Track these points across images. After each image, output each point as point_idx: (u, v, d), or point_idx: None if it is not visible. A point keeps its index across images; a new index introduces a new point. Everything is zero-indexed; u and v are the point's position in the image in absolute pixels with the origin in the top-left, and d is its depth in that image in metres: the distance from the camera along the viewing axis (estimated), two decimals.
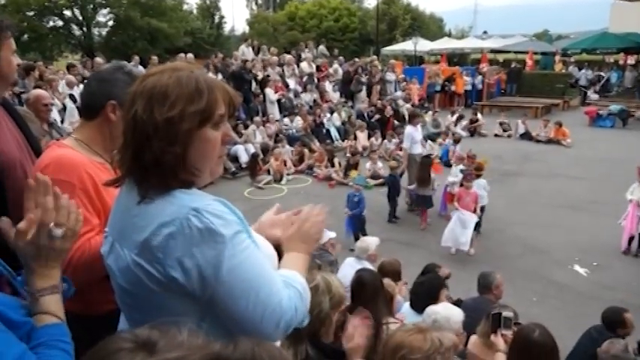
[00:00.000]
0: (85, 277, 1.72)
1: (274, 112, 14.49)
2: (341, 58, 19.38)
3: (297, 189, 11.19)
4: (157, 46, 29.70)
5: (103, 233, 1.48)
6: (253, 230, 1.39)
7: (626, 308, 4.10)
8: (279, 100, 14.75)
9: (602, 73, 23.79)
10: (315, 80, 16.77)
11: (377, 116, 15.73)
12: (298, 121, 14.18)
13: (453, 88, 21.88)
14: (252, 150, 12.13)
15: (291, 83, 15.89)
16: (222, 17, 41.21)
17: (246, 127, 12.88)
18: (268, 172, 11.75)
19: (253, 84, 14.56)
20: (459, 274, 6.24)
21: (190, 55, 14.57)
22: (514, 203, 9.11)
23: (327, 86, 16.73)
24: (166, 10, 31.68)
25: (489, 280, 4.63)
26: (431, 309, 3.36)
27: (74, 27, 31.28)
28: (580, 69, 24.40)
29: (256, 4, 49.93)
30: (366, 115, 15.83)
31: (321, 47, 19.98)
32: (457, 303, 4.37)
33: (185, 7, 35.83)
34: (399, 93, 18.53)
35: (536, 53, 26.15)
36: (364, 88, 17.25)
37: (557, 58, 25.13)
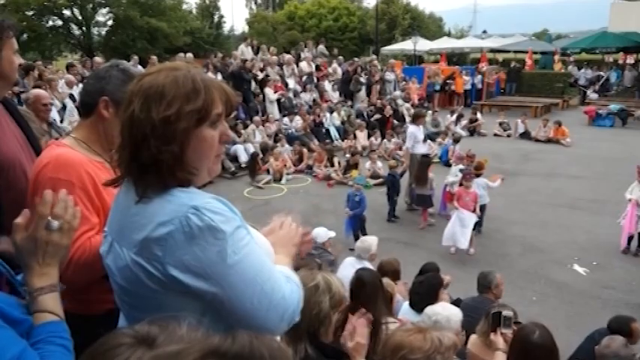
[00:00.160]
0: (85, 276, 1.72)
1: (274, 111, 14.49)
2: (340, 57, 19.37)
3: (297, 188, 11.19)
4: (156, 45, 29.73)
5: (102, 232, 1.49)
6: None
7: (633, 317, 3.98)
8: (278, 100, 14.75)
9: (601, 73, 23.79)
10: (315, 80, 16.77)
11: (376, 116, 15.72)
12: (298, 121, 14.19)
13: (452, 87, 21.89)
14: (251, 150, 12.14)
15: (291, 83, 15.89)
16: (221, 17, 41.28)
17: (245, 126, 12.88)
18: (268, 171, 11.76)
19: (253, 84, 14.56)
20: (458, 274, 6.25)
21: (189, 55, 14.59)
22: (513, 203, 9.12)
23: (327, 86, 16.74)
24: (166, 9, 31.71)
25: (489, 280, 4.63)
26: (430, 309, 3.36)
27: (73, 26, 31.30)
28: (579, 68, 24.41)
29: (255, 3, 49.97)
30: (365, 114, 15.84)
31: (321, 47, 19.97)
32: (456, 302, 4.37)
33: (184, 6, 35.90)
34: (398, 92, 18.52)
35: (535, 53, 26.14)
36: (364, 87, 17.25)
37: (557, 57, 25.12)
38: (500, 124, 16.60)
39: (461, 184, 7.86)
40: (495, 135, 16.35)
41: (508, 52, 28.62)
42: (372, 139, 14.09)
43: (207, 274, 1.16)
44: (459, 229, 7.28)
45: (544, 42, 29.59)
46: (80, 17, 30.61)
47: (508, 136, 16.28)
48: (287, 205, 9.47)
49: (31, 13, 27.60)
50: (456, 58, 32.75)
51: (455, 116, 16.79)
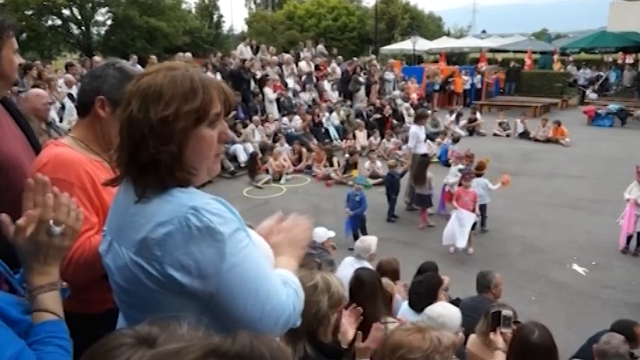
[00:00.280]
0: (85, 275, 1.72)
1: (273, 111, 14.48)
2: (340, 57, 19.37)
3: (296, 188, 11.19)
4: (155, 45, 29.72)
5: (102, 232, 1.49)
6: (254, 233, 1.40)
7: (636, 321, 3.96)
8: (277, 100, 14.74)
9: (601, 73, 23.80)
10: (314, 79, 16.77)
11: (376, 115, 15.73)
12: (297, 121, 14.18)
13: (452, 87, 21.90)
14: (250, 149, 12.13)
15: (290, 82, 15.88)
16: (220, 16, 41.31)
17: (244, 126, 12.88)
18: (267, 171, 11.76)
19: (252, 83, 14.55)
20: (457, 274, 6.25)
21: (188, 54, 14.57)
22: (513, 202, 9.12)
23: (326, 85, 16.73)
24: (165, 9, 31.70)
25: (488, 279, 4.64)
26: (430, 308, 3.36)
27: (73, 26, 31.30)
28: (578, 68, 24.42)
29: (255, 3, 50.00)
30: (364, 114, 15.84)
31: (320, 46, 19.96)
32: (456, 302, 4.37)
33: (184, 6, 35.91)
34: (397, 92, 18.53)
35: (534, 52, 26.16)
36: (363, 87, 17.24)
37: (556, 57, 25.13)
38: (500, 124, 16.60)
39: (460, 184, 7.86)
40: (495, 135, 16.35)
41: (507, 51, 28.63)
42: (372, 138, 14.09)
43: (204, 275, 1.16)
44: (458, 228, 7.28)
45: (543, 42, 29.64)
46: (79, 17, 30.60)
47: (507, 135, 16.28)
48: (286, 205, 9.47)
49: (30, 12, 27.59)
50: (455, 57, 32.75)
51: (454, 116, 16.80)
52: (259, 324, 1.21)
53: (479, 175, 8.14)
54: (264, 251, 1.40)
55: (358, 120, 15.11)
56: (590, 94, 22.51)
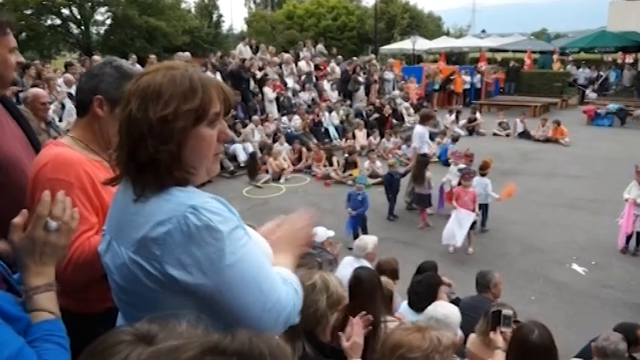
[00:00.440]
0: (84, 275, 1.72)
1: (273, 110, 14.48)
2: (339, 57, 19.37)
3: (296, 188, 11.19)
4: (155, 44, 29.73)
5: (101, 232, 1.49)
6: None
7: (638, 324, 3.96)
8: (277, 99, 14.73)
9: (600, 72, 23.81)
10: (314, 79, 16.76)
11: (375, 115, 15.73)
12: (297, 120, 14.18)
13: (452, 87, 21.91)
14: (250, 149, 12.12)
15: (290, 82, 15.88)
16: (220, 16, 41.36)
17: (244, 125, 12.87)
18: (267, 171, 11.75)
19: (251, 83, 14.54)
20: (457, 273, 6.26)
21: (187, 54, 14.55)
22: (513, 202, 9.10)
23: (326, 85, 16.73)
24: (164, 8, 31.70)
25: (488, 279, 4.64)
26: (433, 309, 3.36)
27: (72, 25, 31.29)
28: (578, 68, 24.43)
29: (254, 2, 49.99)
30: (364, 113, 15.83)
31: (320, 46, 19.96)
32: (455, 302, 4.37)
33: (183, 5, 35.93)
34: (397, 92, 18.54)
35: (534, 52, 26.17)
36: (362, 87, 17.24)
37: (556, 57, 25.14)
38: (500, 123, 16.60)
39: (460, 184, 7.86)
40: (494, 134, 16.35)
41: (507, 51, 28.64)
42: (371, 138, 14.09)
43: (204, 274, 1.16)
44: (457, 228, 7.29)
45: (543, 41, 29.64)
46: (79, 16, 30.60)
47: (507, 135, 16.28)
48: (286, 205, 9.47)
49: (29, 11, 27.56)
50: (454, 57, 32.76)
51: (454, 116, 16.80)
52: (259, 322, 1.21)
53: (483, 175, 8.15)
54: (263, 249, 1.40)
55: (358, 120, 15.10)
56: (590, 94, 22.51)
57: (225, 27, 44.37)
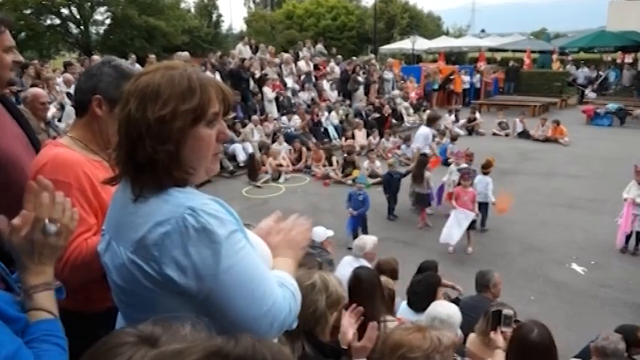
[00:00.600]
0: (81, 277, 1.72)
1: (272, 110, 14.47)
2: (339, 56, 19.37)
3: (295, 188, 11.18)
4: (154, 44, 29.74)
5: (100, 233, 1.49)
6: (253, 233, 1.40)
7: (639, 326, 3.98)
8: (277, 99, 14.73)
9: (600, 72, 23.82)
10: (313, 79, 16.76)
11: (375, 115, 15.72)
12: (296, 120, 14.17)
13: (451, 87, 21.92)
14: (249, 149, 12.10)
15: (289, 82, 15.87)
16: (219, 16, 41.35)
17: (244, 125, 12.86)
18: (266, 171, 11.75)
19: (251, 82, 14.54)
20: (457, 273, 6.26)
21: (185, 53, 14.52)
22: (512, 202, 9.11)
23: (325, 85, 16.72)
24: (164, 8, 31.70)
25: (487, 279, 4.64)
26: (432, 308, 3.36)
27: (71, 25, 31.30)
28: (577, 67, 24.44)
29: (254, 2, 49.97)
30: (363, 113, 15.83)
31: (319, 46, 19.96)
32: (455, 301, 4.37)
33: (183, 5, 35.94)
34: (396, 92, 18.54)
35: (533, 52, 26.18)
36: (362, 86, 17.24)
37: (555, 56, 25.16)
38: (499, 123, 16.60)
39: (459, 184, 7.87)
40: (494, 134, 16.36)
41: (506, 51, 28.68)
42: (371, 138, 14.09)
43: (200, 276, 1.16)
44: (456, 227, 7.30)
45: (542, 41, 29.65)
46: (78, 16, 30.60)
47: (506, 135, 16.28)
48: (285, 205, 9.47)
49: (29, 11, 27.57)
50: (454, 57, 32.79)
51: (453, 116, 16.79)
52: (255, 325, 1.21)
53: (485, 174, 8.16)
54: (261, 252, 1.39)
55: (357, 119, 15.09)
56: (589, 94, 22.52)
57: (224, 27, 44.44)
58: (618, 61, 24.87)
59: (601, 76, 23.52)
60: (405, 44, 30.32)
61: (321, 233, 5.45)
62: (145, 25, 29.79)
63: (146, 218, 1.19)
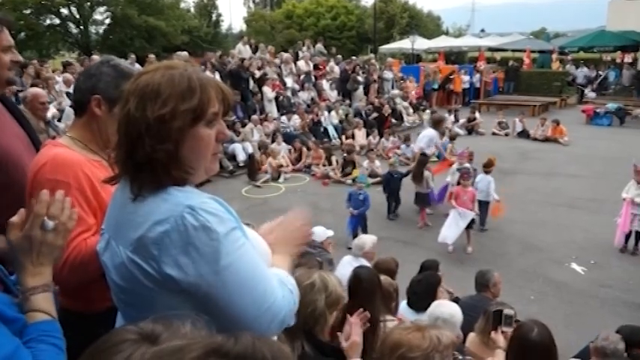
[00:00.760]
0: (80, 276, 1.72)
1: (272, 110, 14.47)
2: (339, 56, 19.37)
3: (295, 187, 11.18)
4: (154, 44, 29.73)
5: (99, 233, 1.49)
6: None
7: None
8: (276, 99, 14.72)
9: (599, 72, 23.82)
10: (313, 79, 16.75)
11: (374, 114, 15.72)
12: (296, 120, 14.17)
13: (451, 86, 21.92)
14: (249, 148, 12.10)
15: (289, 82, 15.87)
16: (219, 15, 41.33)
17: (243, 125, 12.86)
18: (266, 171, 11.74)
19: (251, 82, 14.53)
20: (456, 272, 6.27)
21: (184, 53, 14.51)
22: (512, 201, 9.11)
23: (325, 85, 16.71)
24: (163, 8, 31.71)
25: (487, 278, 4.63)
26: (434, 308, 3.36)
27: (71, 25, 31.30)
28: (577, 67, 24.44)
29: (254, 2, 49.96)
30: (363, 113, 15.83)
31: (319, 45, 19.96)
32: (454, 301, 4.37)
33: (182, 5, 35.96)
34: (396, 91, 18.54)
35: (533, 51, 26.18)
36: (361, 86, 17.23)
37: (555, 56, 25.16)
38: (499, 123, 16.60)
39: (459, 183, 7.87)
40: (493, 134, 16.35)
41: (506, 50, 28.67)
42: (370, 137, 14.09)
43: (200, 274, 1.16)
44: (454, 226, 7.31)
45: (542, 41, 29.63)
46: (78, 16, 30.60)
47: (506, 135, 16.28)
48: (285, 204, 9.47)
49: (28, 11, 27.57)
50: (454, 56, 32.76)
51: (453, 115, 16.78)
52: (255, 323, 1.21)
53: (487, 173, 8.17)
54: (261, 250, 1.40)
55: (357, 119, 15.09)
56: (589, 93, 22.51)
57: (224, 26, 44.42)
58: (618, 60, 24.85)
59: (600, 75, 23.51)
60: (404, 44, 30.29)
61: (320, 233, 5.45)
62: (145, 24, 29.79)
63: (145, 217, 1.19)
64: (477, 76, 22.77)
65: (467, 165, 8.84)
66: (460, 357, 2.89)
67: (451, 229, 7.33)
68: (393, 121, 16.41)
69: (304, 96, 15.84)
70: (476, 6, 66.45)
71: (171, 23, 31.27)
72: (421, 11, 44.01)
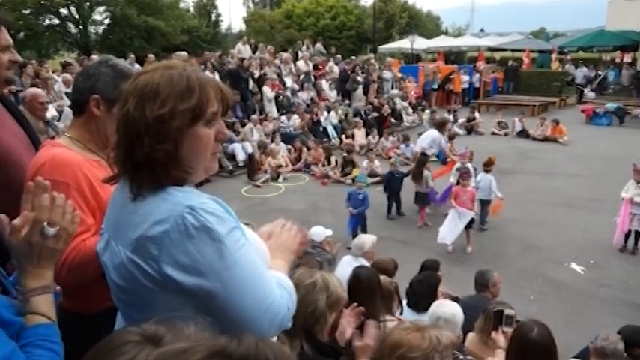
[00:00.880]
0: (79, 277, 1.72)
1: (272, 110, 14.46)
2: (338, 56, 19.37)
3: (294, 187, 11.18)
4: (153, 44, 29.73)
5: (98, 234, 1.49)
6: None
7: None
8: (276, 98, 14.72)
9: (599, 71, 23.83)
10: (312, 78, 16.75)
11: (374, 114, 15.71)
12: (295, 120, 14.16)
13: (450, 86, 21.92)
14: (249, 148, 12.08)
15: (288, 81, 15.87)
16: (218, 15, 41.30)
17: (243, 125, 12.85)
18: (265, 170, 11.74)
19: (250, 82, 14.53)
20: (456, 272, 6.26)
21: (184, 53, 14.50)
22: (511, 201, 9.12)
23: (324, 84, 16.71)
24: (163, 8, 31.70)
25: (486, 278, 4.63)
26: (435, 308, 3.36)
27: (70, 25, 31.29)
28: (576, 67, 24.46)
29: (253, 2, 49.95)
30: (363, 113, 15.82)
31: (318, 45, 19.96)
32: (454, 301, 4.37)
33: (182, 5, 35.95)
34: (395, 91, 18.54)
35: (532, 51, 26.17)
36: (361, 86, 17.23)
37: (554, 56, 25.16)
38: (499, 123, 16.60)
39: (458, 183, 7.87)
40: (493, 134, 16.35)
41: (505, 50, 28.69)
42: (370, 137, 14.08)
43: (201, 274, 1.16)
44: (453, 226, 7.31)
45: (541, 41, 29.64)
46: (77, 16, 30.59)
47: (505, 134, 16.28)
48: (284, 204, 9.47)
49: (27, 11, 27.54)
50: (453, 56, 32.76)
51: (452, 115, 16.78)
52: (254, 324, 1.21)
53: (487, 172, 8.18)
54: (260, 251, 1.40)
55: (356, 119, 15.09)
56: (588, 93, 22.51)
57: (223, 26, 44.37)
58: (617, 60, 24.87)
59: (600, 75, 23.51)
60: (404, 44, 30.29)
61: (320, 233, 5.45)
62: (144, 24, 29.78)
63: (145, 217, 1.19)
64: (477, 75, 22.78)
65: (467, 165, 8.84)
66: (461, 357, 2.89)
67: (450, 230, 7.33)
68: (393, 121, 16.42)
69: (304, 96, 15.84)
70: (475, 6, 66.58)
71: (170, 23, 31.26)
72: (420, 11, 44.00)
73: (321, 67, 17.68)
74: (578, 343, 4.09)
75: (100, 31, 32.84)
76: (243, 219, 1.32)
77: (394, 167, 9.18)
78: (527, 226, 8.39)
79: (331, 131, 14.62)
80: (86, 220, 1.76)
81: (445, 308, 3.36)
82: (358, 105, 16.32)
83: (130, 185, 1.24)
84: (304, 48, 18.71)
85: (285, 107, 14.81)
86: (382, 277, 3.65)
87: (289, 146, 12.86)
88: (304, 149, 12.57)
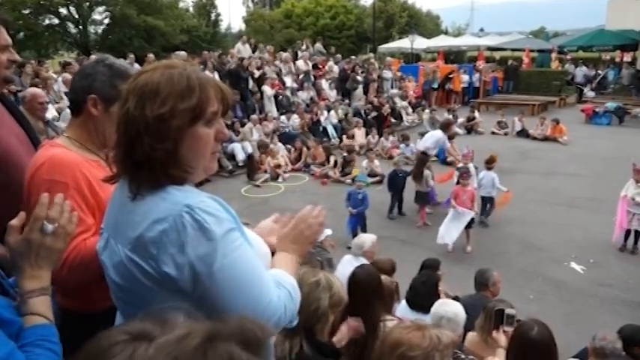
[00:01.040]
0: (80, 277, 1.72)
1: (272, 109, 14.46)
2: (338, 55, 19.36)
3: (294, 187, 11.18)
4: (153, 44, 29.70)
5: (98, 233, 1.48)
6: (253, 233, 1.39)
7: None
8: (276, 98, 14.71)
9: (599, 71, 23.84)
10: (312, 78, 16.74)
11: (374, 114, 15.71)
12: (295, 119, 14.16)
13: (450, 86, 21.92)
14: (249, 148, 12.08)
15: (288, 81, 15.86)
16: (218, 15, 41.25)
17: (243, 124, 12.85)
18: (265, 170, 11.74)
19: (250, 82, 14.52)
20: (456, 271, 6.26)
21: (183, 53, 14.49)
22: (511, 201, 9.13)
23: (324, 84, 16.70)
24: (162, 7, 31.67)
25: (486, 277, 4.63)
26: (438, 308, 3.36)
27: (70, 25, 31.25)
28: (576, 66, 24.46)
29: (252, 1, 49.92)
30: (362, 112, 15.82)
31: (318, 45, 19.95)
32: (454, 300, 4.36)
33: (181, 4, 35.91)
34: (395, 91, 18.54)
35: (532, 51, 26.19)
36: (361, 86, 17.23)
37: (554, 55, 25.17)
38: (499, 122, 16.60)
39: (458, 182, 7.87)
40: (493, 133, 16.35)
41: (505, 50, 28.71)
42: (370, 137, 14.08)
43: (196, 274, 1.16)
44: (453, 226, 7.31)
45: (541, 40, 29.67)
46: (77, 15, 30.55)
47: (505, 134, 16.27)
48: (284, 204, 9.46)
49: (27, 11, 27.49)
50: (453, 56, 32.77)
51: (452, 115, 16.77)
52: None
53: (489, 169, 8.18)
54: (259, 251, 1.39)
55: (356, 118, 15.08)
56: (588, 93, 22.51)
57: (223, 26, 44.35)
58: (617, 59, 24.90)
59: (600, 74, 23.53)
60: (403, 43, 30.29)
61: None
62: (144, 24, 29.76)
63: (144, 216, 1.19)
64: (476, 75, 22.78)
65: (469, 165, 8.84)
66: (462, 356, 2.89)
67: (450, 230, 7.32)
68: (393, 120, 16.42)
69: (303, 95, 15.83)
70: (475, 5, 66.53)
71: (170, 23, 31.24)
72: (420, 10, 44.01)
73: (320, 66, 17.67)
74: (578, 343, 4.08)
75: (100, 30, 32.81)
76: (243, 218, 1.31)
77: (397, 166, 9.18)
78: (527, 225, 8.39)
79: (331, 131, 14.61)
80: (86, 219, 1.76)
81: (448, 307, 3.36)
82: (358, 104, 16.32)
83: (130, 184, 1.24)
84: (304, 47, 18.71)
85: (284, 107, 14.81)
86: (383, 277, 3.65)
87: (289, 146, 12.85)
88: (304, 149, 12.56)
